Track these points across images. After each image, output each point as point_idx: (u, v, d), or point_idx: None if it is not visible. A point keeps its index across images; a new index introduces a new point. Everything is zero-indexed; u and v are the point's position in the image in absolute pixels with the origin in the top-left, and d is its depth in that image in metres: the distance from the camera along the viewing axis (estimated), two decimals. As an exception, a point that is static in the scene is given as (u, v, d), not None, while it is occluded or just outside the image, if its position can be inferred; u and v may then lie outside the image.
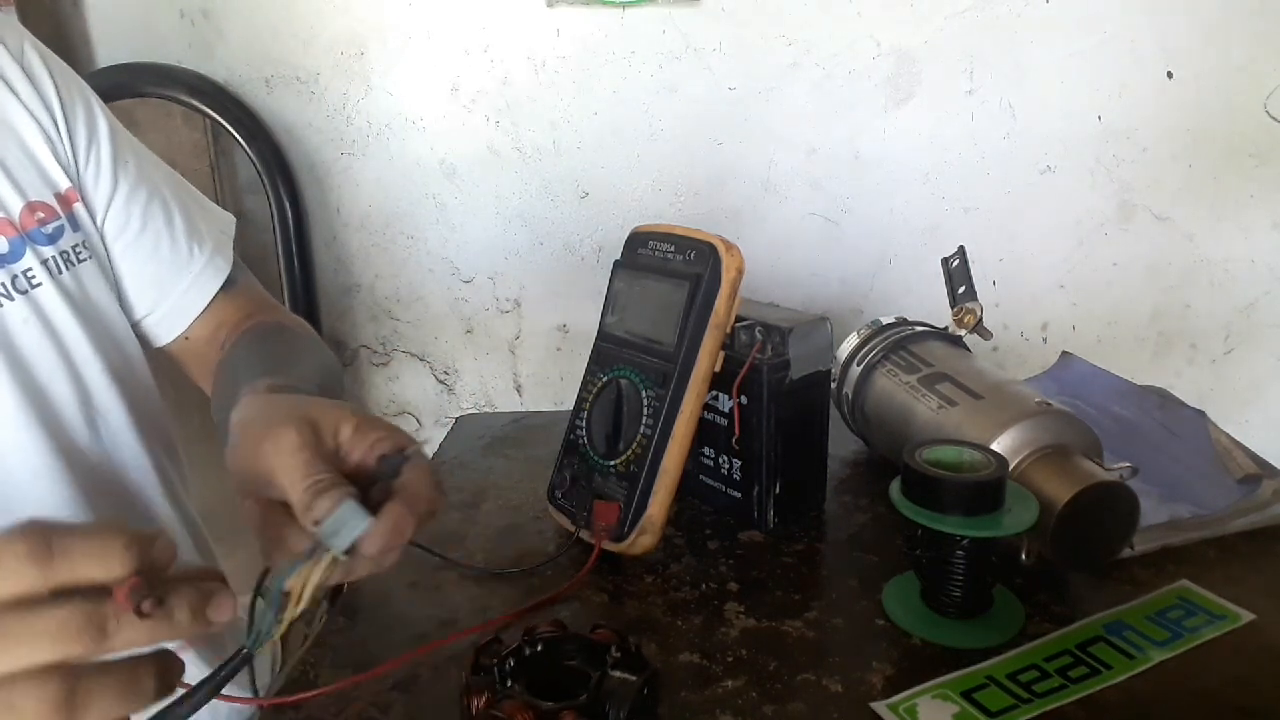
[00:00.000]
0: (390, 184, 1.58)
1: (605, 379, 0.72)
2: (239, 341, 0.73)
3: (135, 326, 0.75)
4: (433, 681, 0.57)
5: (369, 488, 0.48)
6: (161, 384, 0.79)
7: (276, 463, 0.46)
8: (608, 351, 0.73)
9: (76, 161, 0.70)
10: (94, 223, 0.71)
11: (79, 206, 0.69)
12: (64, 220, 0.68)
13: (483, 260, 1.62)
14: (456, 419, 0.99)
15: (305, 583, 0.44)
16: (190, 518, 0.79)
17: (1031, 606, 0.61)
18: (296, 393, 0.57)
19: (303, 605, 0.44)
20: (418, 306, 1.65)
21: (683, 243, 0.69)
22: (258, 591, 0.44)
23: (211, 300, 0.76)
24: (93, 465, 0.69)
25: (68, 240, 0.68)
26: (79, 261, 0.68)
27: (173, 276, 0.75)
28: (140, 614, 0.37)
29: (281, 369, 0.64)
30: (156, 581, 0.38)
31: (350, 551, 0.44)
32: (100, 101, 0.74)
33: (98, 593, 0.37)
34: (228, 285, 0.77)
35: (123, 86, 1.44)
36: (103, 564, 0.37)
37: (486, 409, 1.70)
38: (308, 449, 0.46)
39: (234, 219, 0.84)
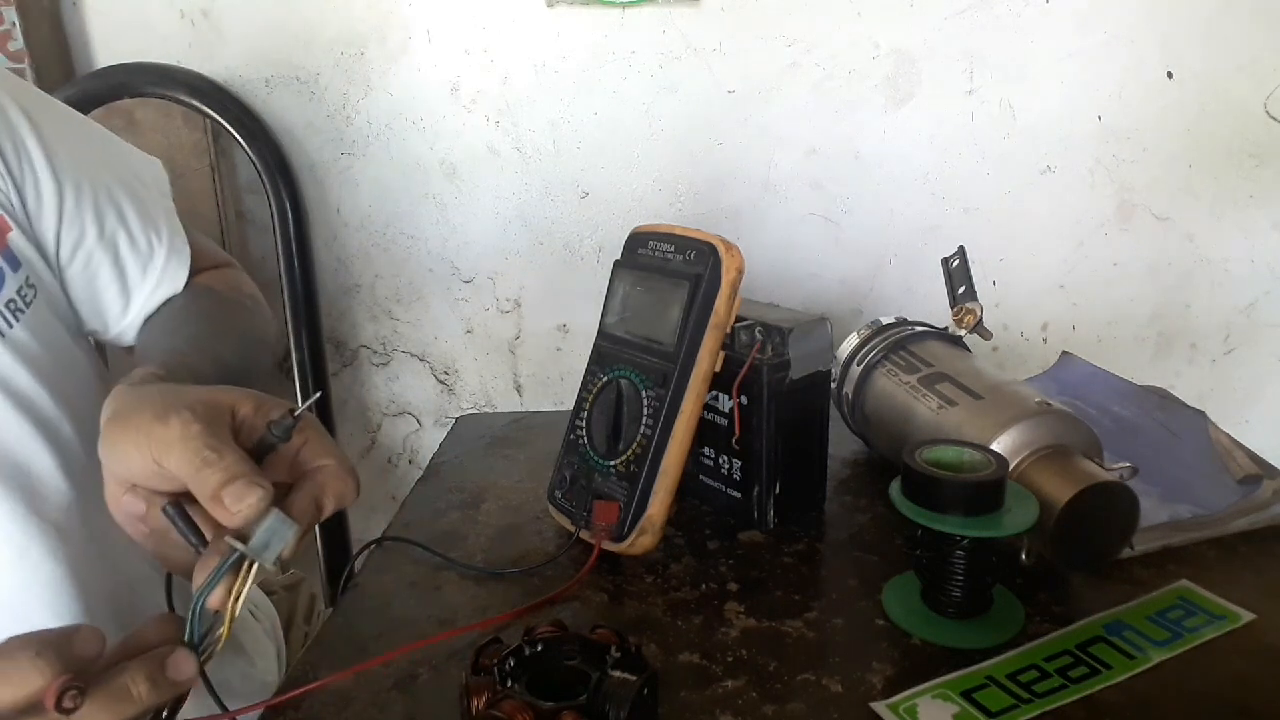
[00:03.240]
0: (390, 184, 1.58)
1: (605, 379, 0.72)
2: (159, 309, 0.67)
3: (98, 335, 0.70)
4: (433, 681, 0.57)
5: (263, 458, 0.46)
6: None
7: (170, 447, 0.43)
8: (608, 351, 0.73)
9: (12, 178, 0.61)
10: (42, 249, 0.63)
11: (14, 237, 0.61)
12: (2, 263, 0.60)
13: (483, 260, 1.62)
14: (456, 419, 0.99)
15: (236, 598, 0.42)
16: None
17: (1031, 606, 0.61)
18: (190, 375, 0.54)
19: (234, 619, 0.43)
20: (418, 306, 1.65)
21: (683, 243, 0.69)
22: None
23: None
24: (83, 529, 0.63)
25: (10, 286, 0.60)
26: (27, 306, 0.61)
27: (138, 277, 0.69)
28: (63, 710, 0.35)
29: (192, 347, 0.60)
30: (92, 673, 0.37)
31: (279, 559, 0.43)
32: (15, 95, 0.64)
33: (37, 708, 0.35)
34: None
35: (123, 86, 1.44)
36: (16, 682, 0.35)
37: (486, 409, 1.70)
38: (200, 427, 0.43)
39: (159, 164, 0.75)
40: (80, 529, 0.63)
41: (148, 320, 0.68)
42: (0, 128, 0.61)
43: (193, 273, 0.73)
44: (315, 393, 0.48)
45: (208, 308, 0.69)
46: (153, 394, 0.48)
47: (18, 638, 0.37)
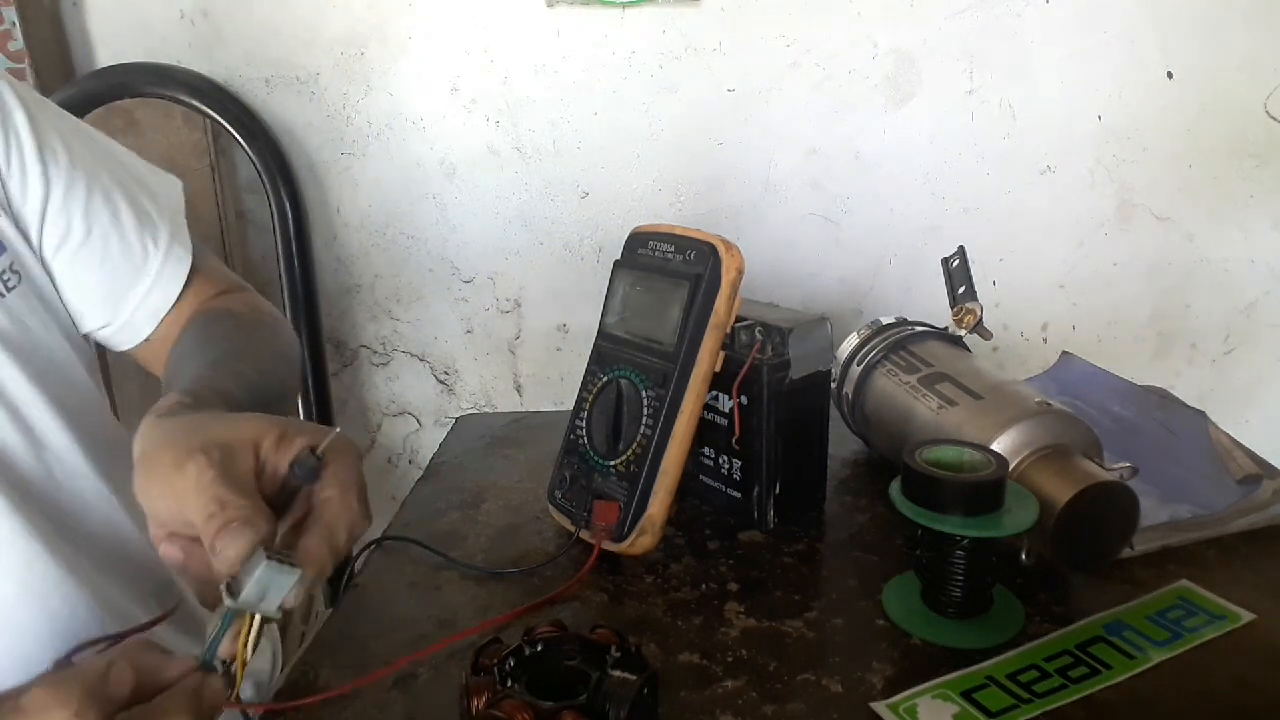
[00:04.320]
0: (390, 184, 1.58)
1: (605, 379, 0.72)
2: (180, 338, 0.67)
3: (87, 338, 0.70)
4: (433, 681, 0.57)
5: (292, 498, 0.45)
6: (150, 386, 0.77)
7: (186, 497, 0.42)
8: (608, 351, 0.73)
9: None
10: (26, 238, 0.64)
11: (4, 224, 0.62)
12: None
13: (483, 260, 1.62)
14: (456, 419, 0.99)
15: (244, 647, 0.41)
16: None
17: (1031, 606, 0.61)
18: (219, 399, 0.53)
19: (248, 666, 0.42)
20: (418, 306, 1.65)
21: (683, 243, 0.69)
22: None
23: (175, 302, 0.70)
24: (50, 506, 0.63)
25: None
26: (9, 290, 0.62)
27: (128, 282, 0.68)
28: None
29: (216, 370, 0.59)
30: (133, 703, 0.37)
31: (282, 607, 0.41)
32: (15, 88, 0.65)
33: None
34: (190, 275, 0.71)
35: (123, 86, 1.44)
36: None
37: (486, 409, 1.70)
38: (214, 474, 0.42)
39: (180, 184, 0.75)
40: (55, 509, 0.63)
41: (172, 349, 0.68)
42: (1, 122, 0.62)
43: (196, 288, 0.72)
44: (334, 428, 0.45)
45: (230, 329, 0.68)
46: (176, 432, 0.47)
47: (48, 685, 0.36)
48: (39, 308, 0.64)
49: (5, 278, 0.61)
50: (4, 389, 0.61)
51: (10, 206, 0.63)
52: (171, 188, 0.75)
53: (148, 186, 0.72)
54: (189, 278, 0.71)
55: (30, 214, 0.64)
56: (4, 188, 0.63)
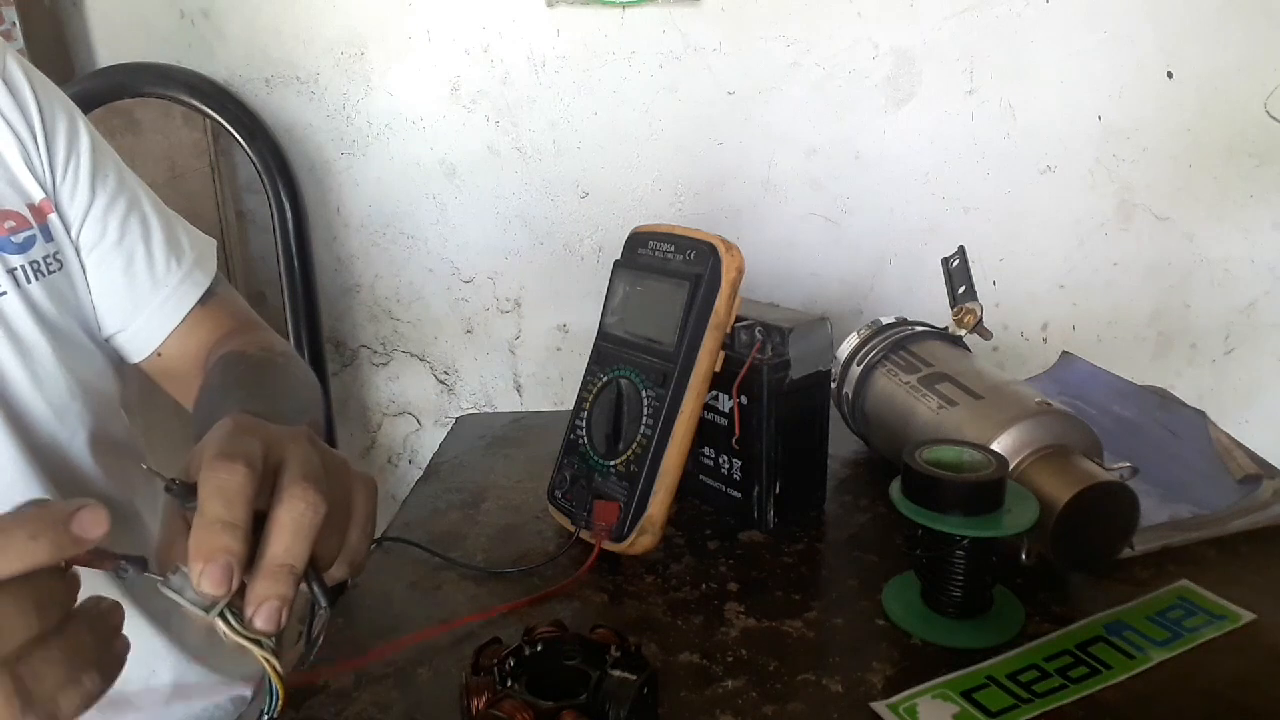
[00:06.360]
0: (390, 184, 1.58)
1: (605, 379, 0.72)
2: (211, 371, 0.70)
3: (109, 342, 0.73)
4: (433, 681, 0.57)
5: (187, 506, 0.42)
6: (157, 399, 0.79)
7: None
8: (608, 351, 0.73)
9: (54, 174, 0.69)
10: (69, 236, 0.70)
11: (54, 218, 0.69)
12: (36, 230, 0.67)
13: (483, 260, 1.62)
14: (456, 419, 0.99)
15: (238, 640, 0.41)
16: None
17: (1031, 606, 0.61)
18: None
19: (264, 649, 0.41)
20: (418, 306, 1.65)
21: (683, 243, 0.69)
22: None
23: (186, 317, 0.74)
24: (67, 474, 0.68)
25: (38, 250, 0.67)
26: (49, 273, 0.67)
27: (147, 292, 0.73)
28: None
29: (251, 404, 0.61)
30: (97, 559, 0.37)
31: (212, 608, 0.39)
32: (84, 118, 0.74)
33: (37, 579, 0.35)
34: (205, 298, 0.76)
35: (123, 86, 1.44)
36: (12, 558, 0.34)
37: (486, 409, 1.70)
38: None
39: (214, 242, 0.82)
40: (67, 463, 0.68)
41: (206, 378, 0.70)
42: (65, 136, 0.70)
43: (210, 311, 0.76)
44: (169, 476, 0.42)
45: (245, 372, 0.70)
46: None
47: (14, 512, 0.35)
48: (74, 298, 0.70)
49: (49, 262, 0.68)
50: (29, 353, 0.66)
51: (60, 207, 0.70)
52: (207, 239, 0.81)
53: (186, 226, 0.79)
54: (203, 300, 0.76)
55: (74, 216, 0.70)
56: (57, 192, 0.70)
